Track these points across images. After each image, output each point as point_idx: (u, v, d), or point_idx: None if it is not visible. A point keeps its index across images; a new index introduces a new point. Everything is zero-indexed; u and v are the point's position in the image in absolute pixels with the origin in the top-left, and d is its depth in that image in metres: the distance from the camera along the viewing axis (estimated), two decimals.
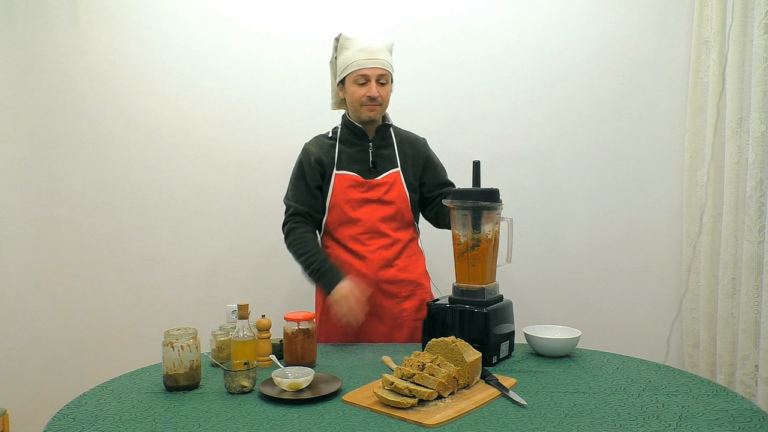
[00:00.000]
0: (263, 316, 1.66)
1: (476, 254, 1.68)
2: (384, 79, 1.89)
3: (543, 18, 2.58)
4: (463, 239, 1.70)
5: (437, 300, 1.75)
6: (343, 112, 2.03)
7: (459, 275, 1.73)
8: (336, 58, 1.95)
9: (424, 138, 2.08)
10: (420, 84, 2.60)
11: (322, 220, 1.97)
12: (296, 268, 2.67)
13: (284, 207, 1.98)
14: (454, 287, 1.73)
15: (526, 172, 2.65)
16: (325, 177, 1.94)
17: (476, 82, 2.61)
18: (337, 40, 1.93)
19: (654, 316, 2.62)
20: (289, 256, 2.67)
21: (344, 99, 1.97)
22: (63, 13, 2.60)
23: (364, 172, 1.94)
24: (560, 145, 2.62)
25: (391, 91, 1.95)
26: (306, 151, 1.97)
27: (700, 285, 2.45)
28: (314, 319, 1.66)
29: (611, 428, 1.19)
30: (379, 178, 1.94)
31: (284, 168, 2.67)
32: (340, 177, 1.92)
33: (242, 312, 1.55)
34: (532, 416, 1.25)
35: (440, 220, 2.03)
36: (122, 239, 2.69)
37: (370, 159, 1.95)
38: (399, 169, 1.96)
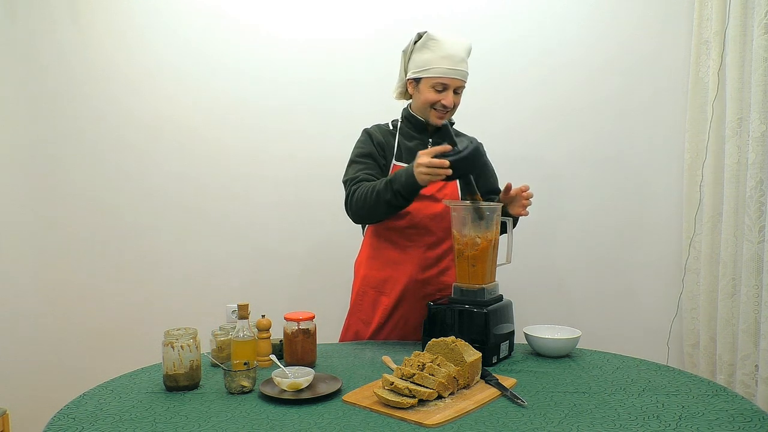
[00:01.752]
0: (263, 316, 1.66)
1: (476, 254, 1.68)
2: (461, 89, 1.88)
3: (542, 17, 2.58)
4: (463, 239, 1.70)
5: (437, 300, 1.75)
6: (405, 103, 1.99)
7: (459, 275, 1.73)
8: (413, 51, 1.88)
9: (480, 142, 2.05)
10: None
11: None
12: (296, 268, 2.70)
13: (344, 185, 1.87)
14: (454, 287, 1.73)
15: (526, 172, 2.64)
16: (385, 164, 1.91)
17: (475, 81, 2.59)
18: (420, 35, 1.85)
19: (654, 316, 2.62)
20: (289, 256, 2.70)
21: (409, 92, 1.94)
22: (64, 13, 2.61)
23: None
24: (560, 144, 2.62)
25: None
26: (369, 133, 1.94)
27: (700, 285, 2.45)
28: (314, 319, 1.66)
29: (611, 428, 1.19)
30: None
31: (286, 168, 2.69)
32: (397, 168, 1.89)
33: (242, 312, 1.55)
34: (532, 416, 1.25)
35: None
36: (122, 239, 2.69)
37: None
38: None
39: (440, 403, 1.30)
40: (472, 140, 2.00)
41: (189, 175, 2.68)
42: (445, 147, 1.64)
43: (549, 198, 2.64)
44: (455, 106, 1.90)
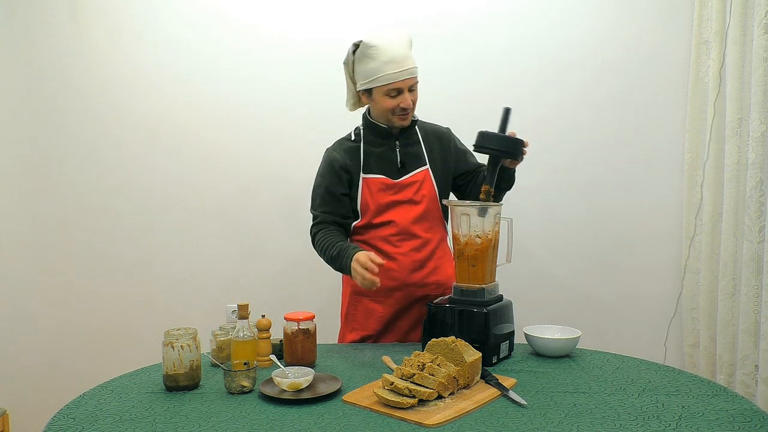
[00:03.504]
0: (263, 316, 1.66)
1: (476, 254, 1.68)
2: (414, 85, 1.84)
3: (543, 18, 2.58)
4: (463, 239, 1.70)
5: (437, 300, 1.75)
6: (361, 111, 1.96)
7: (459, 275, 1.73)
8: (354, 62, 1.84)
9: (447, 128, 2.02)
10: (420, 84, 2.59)
11: (351, 224, 1.92)
12: (297, 269, 2.70)
13: (311, 216, 1.93)
14: (454, 287, 1.73)
15: (526, 172, 2.64)
16: (353, 183, 1.89)
17: (475, 81, 2.61)
18: (358, 47, 1.81)
19: (654, 316, 2.62)
20: (289, 256, 2.70)
21: (364, 102, 1.92)
22: (62, 13, 2.61)
23: (392, 173, 1.88)
24: (560, 144, 2.62)
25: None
26: (330, 159, 1.90)
27: (700, 285, 2.45)
28: (314, 319, 1.66)
29: (611, 428, 1.19)
30: (408, 176, 1.89)
31: (285, 168, 2.69)
32: (368, 181, 1.87)
33: (242, 312, 1.55)
34: (532, 416, 1.25)
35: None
36: (122, 239, 2.69)
37: (398, 159, 1.89)
38: (428, 166, 1.92)
39: (440, 403, 1.30)
40: (445, 130, 1.99)
41: (188, 175, 2.68)
42: (378, 261, 1.66)
43: (549, 197, 2.64)
44: (415, 102, 1.87)
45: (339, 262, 1.77)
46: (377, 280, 1.66)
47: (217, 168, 2.68)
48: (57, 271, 2.69)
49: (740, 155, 2.25)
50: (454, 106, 2.62)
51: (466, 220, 1.69)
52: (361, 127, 1.94)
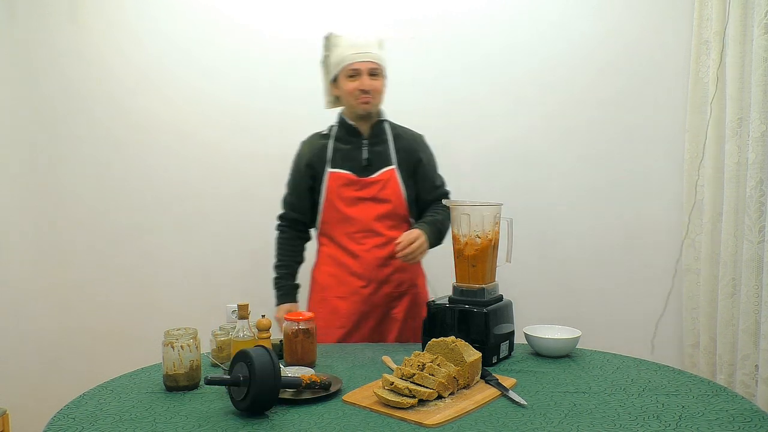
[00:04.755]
0: (263, 316, 1.66)
1: (476, 254, 1.68)
2: (375, 72, 1.89)
3: (542, 18, 2.58)
4: (463, 239, 1.70)
5: (437, 300, 1.75)
6: (339, 110, 2.02)
7: (459, 275, 1.73)
8: (327, 56, 1.96)
9: (420, 134, 2.06)
10: (419, 85, 2.60)
11: (313, 220, 2.01)
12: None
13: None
14: (454, 287, 1.73)
15: (526, 172, 2.65)
16: (318, 177, 1.95)
17: (475, 82, 2.61)
18: (327, 39, 1.94)
19: (654, 316, 2.62)
20: None
21: (338, 97, 1.98)
22: (62, 14, 2.61)
23: (357, 170, 1.93)
24: (560, 145, 2.62)
25: (385, 85, 1.94)
26: (299, 153, 2.02)
27: (700, 285, 2.45)
28: (314, 319, 1.66)
29: (611, 428, 1.19)
30: (373, 175, 1.93)
31: (283, 168, 2.67)
32: (333, 175, 1.93)
33: (242, 312, 1.55)
34: (532, 416, 1.25)
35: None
36: (122, 239, 2.69)
37: (364, 156, 1.94)
38: (394, 166, 1.95)
39: (440, 403, 1.30)
40: (418, 135, 2.03)
41: (188, 175, 2.68)
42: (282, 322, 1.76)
43: (549, 198, 2.64)
44: (378, 92, 1.91)
45: (275, 288, 2.01)
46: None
47: (217, 168, 2.68)
48: (57, 271, 2.69)
49: (740, 155, 2.25)
50: (454, 108, 2.63)
51: (466, 220, 1.69)
52: (335, 124, 2.01)
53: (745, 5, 2.23)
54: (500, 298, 1.72)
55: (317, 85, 2.61)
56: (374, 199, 1.92)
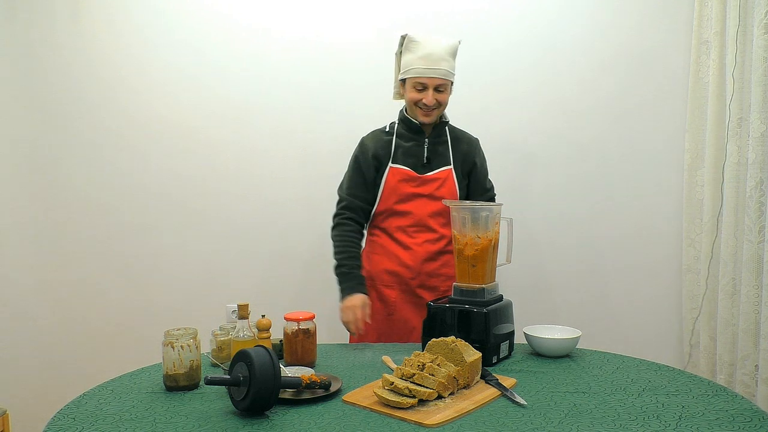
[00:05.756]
0: (263, 316, 1.66)
1: (476, 254, 1.68)
2: (443, 87, 1.93)
3: (542, 17, 2.58)
4: (463, 239, 1.70)
5: (437, 300, 1.75)
6: (402, 104, 2.06)
7: (459, 275, 1.73)
8: (401, 53, 1.97)
9: (477, 138, 2.13)
10: None
11: (370, 211, 2.04)
12: (297, 268, 2.70)
13: (337, 198, 2.05)
14: (454, 287, 1.73)
15: (526, 172, 2.65)
16: (380, 170, 1.99)
17: (475, 81, 2.61)
18: (403, 38, 1.95)
19: (654, 316, 2.62)
20: (289, 256, 2.70)
21: (401, 93, 2.03)
22: (64, 12, 2.60)
23: (417, 167, 1.99)
24: (560, 145, 2.62)
25: (451, 93, 1.98)
26: (363, 145, 2.02)
27: (700, 285, 2.45)
28: (314, 319, 1.66)
29: (611, 428, 1.19)
30: (432, 173, 1.99)
31: (288, 168, 2.69)
32: (394, 170, 1.98)
33: (242, 312, 1.55)
34: (532, 416, 1.25)
35: None
36: (122, 239, 2.69)
37: (425, 154, 1.99)
38: (451, 166, 2.01)
39: (440, 403, 1.30)
40: (474, 139, 2.07)
41: (189, 174, 2.68)
42: (366, 319, 1.85)
43: (549, 198, 2.64)
44: (442, 104, 1.96)
45: (341, 280, 1.94)
46: (361, 328, 1.84)
47: (219, 167, 2.68)
48: (57, 271, 2.69)
49: (740, 155, 2.25)
50: (451, 105, 2.61)
51: (466, 220, 1.69)
52: (397, 122, 2.04)
53: (745, 5, 2.23)
54: (500, 298, 1.72)
55: (322, 83, 2.63)
56: (430, 196, 1.98)
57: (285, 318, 1.64)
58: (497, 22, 2.59)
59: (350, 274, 1.92)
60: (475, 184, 2.08)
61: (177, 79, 2.64)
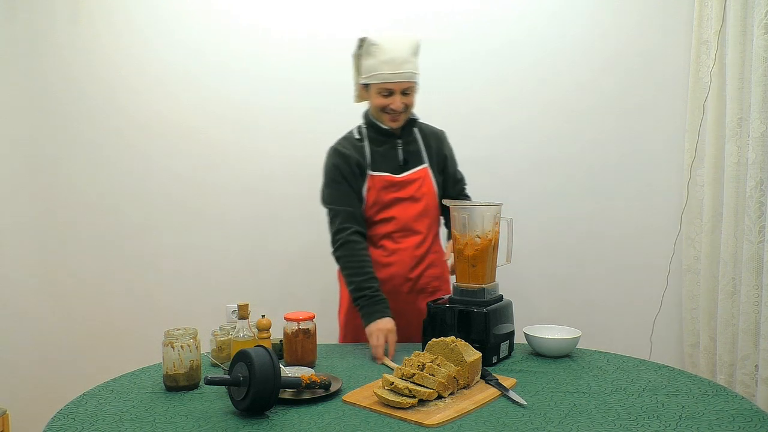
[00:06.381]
0: (263, 316, 1.66)
1: (476, 254, 1.68)
2: (409, 89, 1.86)
3: (542, 17, 2.58)
4: (463, 239, 1.70)
5: (437, 300, 1.75)
6: (365, 107, 1.99)
7: (459, 275, 1.73)
8: (360, 56, 1.90)
9: (442, 130, 2.08)
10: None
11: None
12: (297, 268, 2.70)
13: (326, 210, 1.92)
14: (454, 287, 1.73)
15: (526, 172, 2.65)
16: (363, 178, 1.91)
17: (474, 80, 2.61)
18: (362, 41, 1.87)
19: (654, 316, 2.61)
20: (289, 256, 2.70)
21: (363, 97, 1.97)
22: (64, 12, 2.60)
23: (395, 170, 1.93)
24: (560, 144, 2.62)
25: (416, 92, 1.91)
26: (342, 155, 1.90)
27: (700, 285, 2.45)
28: (314, 319, 1.66)
29: (611, 428, 1.19)
30: (409, 173, 1.93)
31: (287, 167, 2.69)
32: (374, 177, 1.91)
33: (242, 312, 1.55)
34: (532, 416, 1.25)
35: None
36: (122, 239, 2.69)
37: (400, 156, 1.94)
38: (427, 164, 1.97)
39: (440, 403, 1.30)
40: (440, 131, 2.05)
41: (189, 174, 2.68)
42: (389, 353, 1.70)
43: (549, 197, 2.64)
44: (409, 106, 1.89)
45: (364, 305, 1.78)
46: (380, 357, 1.69)
47: (219, 168, 2.68)
48: (57, 271, 2.69)
49: (740, 155, 2.25)
50: (452, 105, 2.63)
51: (466, 220, 1.69)
52: (364, 126, 1.97)
53: (744, 5, 2.23)
54: (500, 298, 1.72)
55: (322, 83, 2.62)
56: (412, 198, 1.92)
57: (285, 318, 1.64)
58: (497, 22, 2.59)
59: (374, 298, 1.77)
60: (448, 176, 2.03)
61: (177, 79, 2.64)
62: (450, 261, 1.90)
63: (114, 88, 2.64)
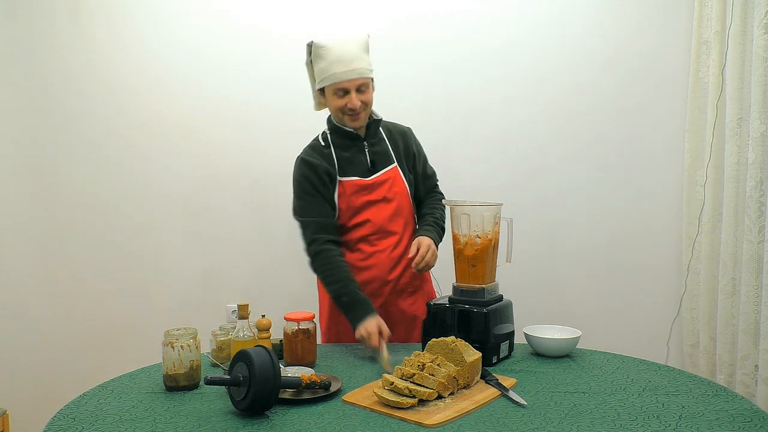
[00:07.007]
0: (263, 316, 1.66)
1: (476, 254, 1.68)
2: (364, 86, 1.84)
3: (542, 17, 2.58)
4: (463, 239, 1.70)
5: (437, 300, 1.75)
6: (328, 113, 1.97)
7: (459, 275, 1.73)
8: (311, 62, 1.88)
9: (408, 127, 2.06)
10: (417, 82, 2.60)
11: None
12: (297, 268, 2.70)
13: (297, 224, 1.90)
14: (454, 287, 1.73)
15: (526, 172, 2.65)
16: (332, 186, 1.90)
17: (474, 80, 2.62)
18: (310, 46, 1.86)
19: (654, 316, 2.62)
20: (289, 256, 2.70)
21: (322, 103, 1.95)
22: (64, 12, 2.61)
23: (364, 173, 1.91)
24: (560, 144, 2.62)
25: (373, 89, 1.89)
26: (310, 164, 1.88)
27: (700, 285, 2.45)
28: (314, 319, 1.66)
29: (611, 428, 1.19)
30: (378, 175, 1.92)
31: (286, 167, 2.67)
32: (344, 183, 1.89)
33: (242, 312, 1.55)
34: (532, 416, 1.25)
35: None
36: (122, 239, 2.69)
37: (368, 158, 1.92)
38: (396, 164, 1.95)
39: (440, 403, 1.30)
40: (407, 129, 2.02)
41: (189, 174, 2.68)
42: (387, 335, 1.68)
43: (549, 198, 2.64)
44: (368, 104, 1.87)
45: (346, 311, 1.76)
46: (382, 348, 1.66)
47: (219, 167, 2.68)
48: (57, 271, 2.69)
49: (740, 155, 2.26)
50: (452, 105, 2.63)
51: (466, 220, 1.69)
52: (328, 132, 1.95)
53: (745, 5, 2.23)
54: (500, 298, 1.72)
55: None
56: (384, 200, 1.91)
57: (285, 318, 1.64)
58: (497, 22, 2.59)
59: (353, 302, 1.75)
60: (418, 173, 2.01)
61: (177, 79, 2.64)
62: (415, 259, 1.81)
63: (114, 88, 2.64)
